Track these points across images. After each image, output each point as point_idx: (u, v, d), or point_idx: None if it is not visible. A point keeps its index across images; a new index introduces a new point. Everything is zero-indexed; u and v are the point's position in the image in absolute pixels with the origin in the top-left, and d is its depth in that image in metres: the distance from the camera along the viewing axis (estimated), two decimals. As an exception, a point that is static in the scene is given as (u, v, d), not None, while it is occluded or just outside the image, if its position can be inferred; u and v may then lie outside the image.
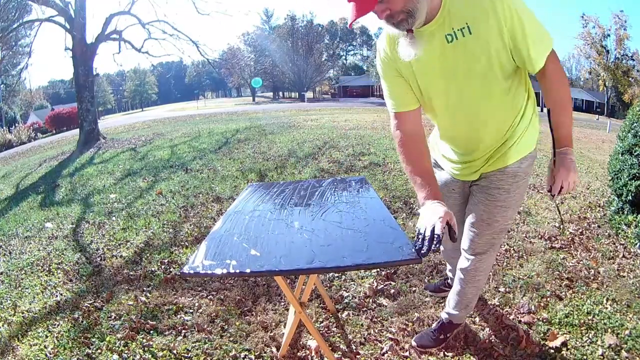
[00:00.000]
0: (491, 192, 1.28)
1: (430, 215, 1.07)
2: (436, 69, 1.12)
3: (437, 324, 1.62)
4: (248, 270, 1.05)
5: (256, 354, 1.59)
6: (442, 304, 1.81)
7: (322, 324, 1.76)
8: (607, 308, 1.80)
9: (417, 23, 1.03)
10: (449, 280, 1.90)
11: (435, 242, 1.01)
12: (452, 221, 1.06)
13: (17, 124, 21.53)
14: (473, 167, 1.31)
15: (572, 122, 1.12)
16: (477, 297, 1.56)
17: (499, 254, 2.37)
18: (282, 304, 1.94)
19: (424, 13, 1.02)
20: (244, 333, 1.72)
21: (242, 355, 1.59)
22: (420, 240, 1.04)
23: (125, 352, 1.64)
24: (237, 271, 1.06)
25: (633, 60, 26.27)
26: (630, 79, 26.04)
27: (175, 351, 1.62)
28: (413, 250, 1.06)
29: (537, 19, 1.04)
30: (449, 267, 1.87)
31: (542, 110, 27.97)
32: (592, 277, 2.08)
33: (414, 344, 1.58)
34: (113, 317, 1.90)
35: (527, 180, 1.30)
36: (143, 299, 2.05)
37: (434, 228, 1.03)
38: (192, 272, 1.07)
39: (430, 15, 1.05)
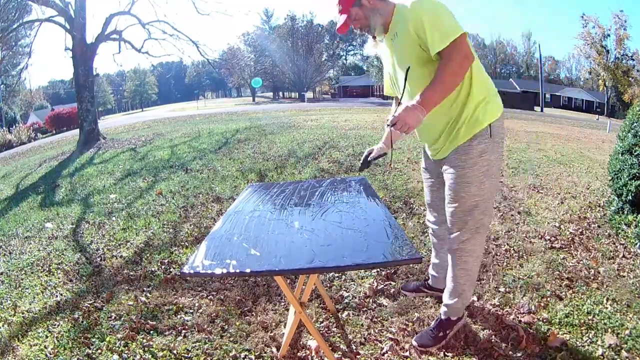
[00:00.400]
0: (450, 171, 1.47)
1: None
2: (390, 62, 1.55)
3: (435, 321, 1.65)
4: (248, 270, 1.05)
5: (256, 354, 1.59)
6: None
7: (322, 324, 1.76)
8: (607, 308, 1.80)
9: (377, 33, 1.48)
10: (429, 281, 1.93)
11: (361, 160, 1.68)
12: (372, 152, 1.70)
13: (17, 124, 21.53)
14: (436, 148, 1.56)
15: (437, 97, 1.29)
16: (472, 288, 1.60)
17: (498, 254, 2.37)
18: (282, 304, 1.94)
19: (378, 26, 1.46)
20: (244, 333, 1.72)
21: (242, 355, 1.59)
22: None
23: (125, 352, 1.64)
24: (237, 271, 1.06)
25: (633, 60, 26.28)
26: (630, 78, 26.04)
27: (175, 351, 1.62)
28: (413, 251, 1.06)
29: (446, 18, 1.30)
30: (432, 262, 1.88)
31: (542, 110, 27.90)
32: (592, 277, 2.08)
33: (414, 343, 1.59)
34: (113, 317, 1.90)
35: (486, 157, 1.42)
36: (143, 299, 2.05)
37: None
38: (192, 272, 1.07)
39: (387, 26, 1.47)
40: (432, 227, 1.79)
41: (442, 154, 1.53)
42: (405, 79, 1.40)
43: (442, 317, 1.63)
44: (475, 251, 1.52)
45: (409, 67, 1.40)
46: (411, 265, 2.23)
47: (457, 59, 1.27)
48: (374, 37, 1.54)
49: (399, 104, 1.57)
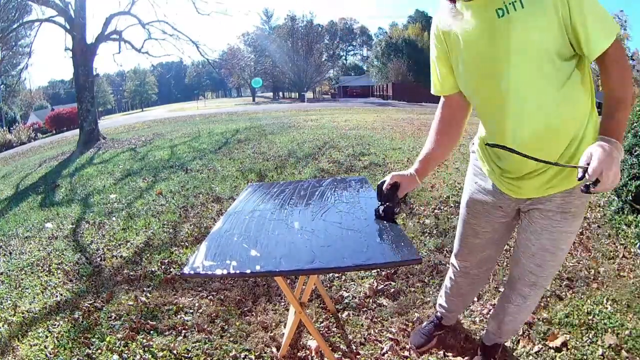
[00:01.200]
0: (557, 218, 1.08)
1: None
2: (485, 48, 0.98)
3: (481, 351, 1.48)
4: (248, 271, 1.05)
5: (256, 354, 1.60)
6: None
7: (322, 324, 1.76)
8: (607, 308, 1.80)
9: None
10: (443, 320, 1.61)
11: (379, 197, 1.24)
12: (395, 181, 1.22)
13: (17, 124, 21.54)
14: (528, 182, 1.08)
15: (625, 122, 0.91)
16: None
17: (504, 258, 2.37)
18: (282, 304, 1.94)
19: None
20: (244, 333, 1.72)
21: (242, 355, 1.59)
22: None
23: (125, 352, 1.64)
24: (238, 272, 1.05)
25: (633, 60, 26.27)
26: (630, 79, 26.04)
27: (175, 351, 1.62)
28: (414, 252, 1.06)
29: (598, 3, 0.90)
30: (444, 301, 1.57)
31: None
32: (592, 277, 2.08)
33: None
34: (113, 317, 1.90)
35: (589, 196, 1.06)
36: (143, 299, 2.05)
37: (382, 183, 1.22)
38: (192, 272, 1.07)
39: None
40: (466, 270, 1.41)
41: (538, 192, 1.08)
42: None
43: (487, 343, 1.47)
44: (536, 302, 1.31)
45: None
46: (411, 265, 2.23)
47: (626, 66, 0.90)
48: (453, 1, 1.02)
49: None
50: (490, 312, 1.58)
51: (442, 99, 1.22)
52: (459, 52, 1.05)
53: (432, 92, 1.21)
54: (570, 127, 0.99)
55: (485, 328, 1.51)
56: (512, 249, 1.49)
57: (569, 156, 1.01)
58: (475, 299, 1.89)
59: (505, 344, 1.58)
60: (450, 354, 1.55)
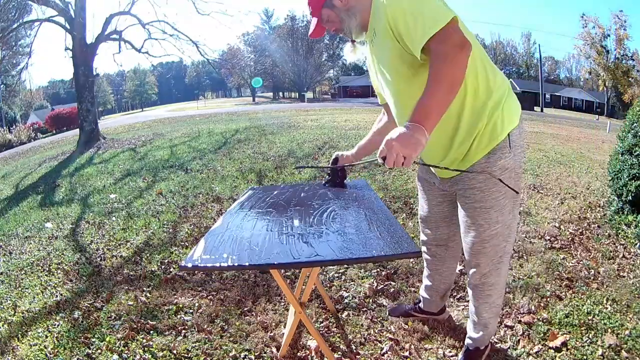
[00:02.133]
0: (467, 194, 1.23)
1: None
2: (374, 68, 1.30)
3: (463, 352, 1.49)
4: (247, 263, 1.05)
5: (256, 354, 1.59)
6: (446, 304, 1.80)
7: (322, 324, 1.76)
8: (607, 308, 1.80)
9: (355, 36, 1.26)
10: (420, 304, 1.74)
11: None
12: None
13: (17, 124, 21.54)
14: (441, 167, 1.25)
15: (437, 105, 0.97)
16: (497, 317, 1.45)
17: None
18: (282, 304, 1.94)
19: (354, 28, 1.23)
20: (244, 333, 1.72)
21: (242, 355, 1.59)
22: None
23: (125, 352, 1.64)
24: (236, 264, 1.06)
25: (633, 60, 26.29)
26: (630, 79, 26.05)
27: (175, 351, 1.62)
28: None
29: (428, 3, 1.02)
30: (425, 285, 1.68)
31: (542, 111, 27.86)
32: (592, 277, 2.08)
33: None
34: (113, 317, 1.90)
35: (507, 174, 1.17)
36: (143, 299, 2.05)
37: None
38: (190, 265, 1.07)
39: (366, 24, 1.22)
40: (427, 245, 1.56)
41: (451, 172, 1.26)
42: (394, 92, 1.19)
43: (470, 348, 1.47)
44: (499, 283, 1.32)
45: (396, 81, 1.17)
46: (411, 265, 2.23)
47: (449, 50, 0.96)
48: (353, 41, 1.32)
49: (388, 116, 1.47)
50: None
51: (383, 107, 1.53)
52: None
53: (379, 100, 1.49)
54: (448, 122, 1.15)
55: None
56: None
57: (461, 149, 1.19)
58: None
59: (504, 344, 1.58)
60: (450, 354, 1.55)
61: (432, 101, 0.96)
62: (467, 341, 1.48)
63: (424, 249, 1.58)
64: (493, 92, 1.14)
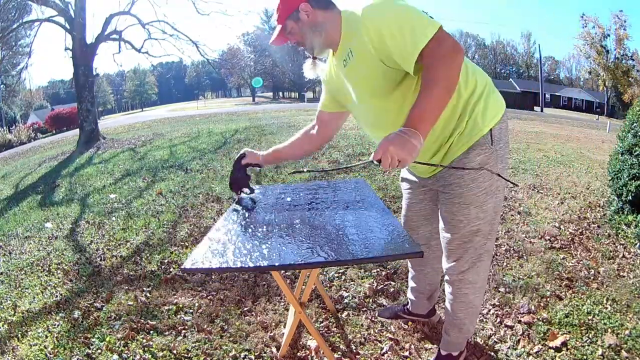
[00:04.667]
0: (447, 190, 1.23)
1: None
2: (343, 88, 1.26)
3: (435, 358, 1.47)
4: (248, 265, 1.05)
5: (256, 354, 1.59)
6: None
7: (322, 324, 1.76)
8: (607, 308, 1.80)
9: (317, 53, 1.23)
10: (408, 306, 1.72)
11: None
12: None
13: (17, 124, 21.54)
14: (424, 167, 1.26)
15: (433, 109, 0.97)
16: (474, 322, 1.41)
17: (498, 254, 2.37)
18: (282, 304, 1.94)
19: (318, 46, 1.19)
20: (244, 333, 1.72)
21: (242, 355, 1.59)
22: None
23: (125, 352, 1.64)
24: (238, 266, 1.05)
25: (633, 60, 26.27)
26: (630, 79, 26.03)
27: (175, 351, 1.62)
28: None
29: (412, 15, 1.01)
30: (410, 286, 1.67)
31: (542, 110, 27.88)
32: (592, 277, 2.08)
33: None
34: (113, 317, 1.90)
35: (487, 171, 1.16)
36: (143, 299, 2.05)
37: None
38: (192, 267, 1.07)
39: (336, 44, 1.18)
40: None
41: (432, 171, 1.27)
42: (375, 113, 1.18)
43: (442, 352, 1.44)
44: (477, 282, 1.30)
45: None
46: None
47: (445, 53, 0.97)
48: (314, 58, 1.26)
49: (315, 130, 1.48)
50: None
51: (317, 113, 1.48)
52: (332, 86, 1.34)
53: (318, 107, 1.47)
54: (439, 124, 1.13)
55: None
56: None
57: (442, 148, 1.20)
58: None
59: (504, 344, 1.58)
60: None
61: (428, 105, 0.96)
62: (441, 343, 1.46)
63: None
64: (472, 88, 1.15)
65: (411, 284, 1.66)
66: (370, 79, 1.13)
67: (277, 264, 1.05)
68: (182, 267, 1.08)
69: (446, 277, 1.35)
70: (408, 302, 1.73)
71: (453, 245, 1.27)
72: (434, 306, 1.71)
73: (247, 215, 1.46)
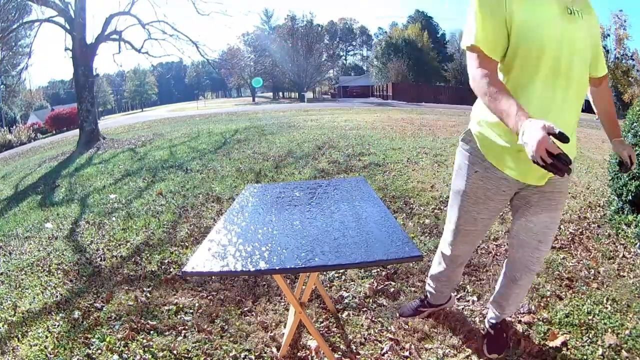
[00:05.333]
0: (554, 197, 1.23)
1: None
2: (554, 32, 1.04)
3: (488, 331, 1.56)
4: (249, 269, 1.05)
5: (256, 354, 1.59)
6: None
7: (322, 324, 1.76)
8: (607, 308, 1.80)
9: None
10: (428, 299, 1.73)
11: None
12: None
13: (17, 125, 21.52)
14: (535, 173, 1.14)
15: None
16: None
17: (499, 254, 2.37)
18: (282, 304, 1.94)
19: None
20: (244, 333, 1.72)
21: (242, 355, 1.59)
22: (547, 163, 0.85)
23: (125, 352, 1.64)
24: (239, 270, 1.05)
25: (633, 60, 26.26)
26: (630, 79, 26.01)
27: (175, 351, 1.62)
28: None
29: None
30: (439, 285, 1.64)
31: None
32: (592, 277, 2.08)
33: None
34: (113, 317, 1.90)
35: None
36: (143, 299, 2.05)
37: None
38: (192, 271, 1.07)
39: None
40: (458, 260, 1.49)
41: (539, 181, 1.19)
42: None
43: (506, 319, 1.60)
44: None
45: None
46: (411, 265, 2.22)
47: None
48: None
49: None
50: (491, 298, 1.59)
51: (484, 71, 1.05)
52: (524, 22, 1.04)
53: (486, 51, 1.07)
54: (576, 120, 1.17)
55: (486, 317, 1.61)
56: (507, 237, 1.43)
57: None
58: (476, 299, 1.90)
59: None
60: (450, 353, 1.55)
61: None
62: (498, 319, 1.55)
63: (448, 260, 1.49)
64: None
65: (442, 282, 1.61)
66: (586, 46, 1.15)
67: (277, 268, 1.05)
68: (183, 270, 1.08)
69: (523, 280, 1.39)
70: (427, 296, 1.75)
71: (547, 248, 1.32)
72: None
73: (246, 216, 1.46)
